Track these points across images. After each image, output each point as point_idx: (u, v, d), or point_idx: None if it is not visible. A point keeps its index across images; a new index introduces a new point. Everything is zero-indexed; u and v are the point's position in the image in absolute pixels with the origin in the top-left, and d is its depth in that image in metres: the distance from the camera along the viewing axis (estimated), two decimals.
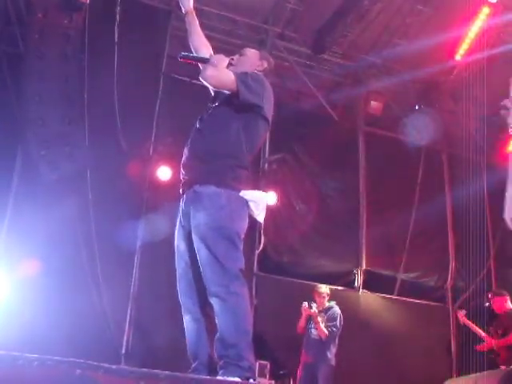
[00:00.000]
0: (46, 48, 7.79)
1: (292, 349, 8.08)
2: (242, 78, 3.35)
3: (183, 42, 7.99)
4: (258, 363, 7.36)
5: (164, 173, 8.53)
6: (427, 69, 9.42)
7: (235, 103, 3.36)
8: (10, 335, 6.44)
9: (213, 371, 3.09)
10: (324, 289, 7.90)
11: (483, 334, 7.99)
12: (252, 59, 3.62)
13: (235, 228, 3.20)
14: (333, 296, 8.05)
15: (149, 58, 8.58)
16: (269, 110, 3.46)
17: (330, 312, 7.63)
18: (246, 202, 3.28)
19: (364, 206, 10.39)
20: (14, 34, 8.17)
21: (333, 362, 7.44)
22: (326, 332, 7.43)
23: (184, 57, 3.54)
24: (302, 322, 7.65)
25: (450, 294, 10.61)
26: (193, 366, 3.24)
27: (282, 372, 8.29)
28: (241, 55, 3.66)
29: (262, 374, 7.88)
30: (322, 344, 7.47)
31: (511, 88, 4.54)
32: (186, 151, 3.45)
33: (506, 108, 4.35)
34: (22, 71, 7.95)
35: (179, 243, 3.37)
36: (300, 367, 7.55)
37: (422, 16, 9.23)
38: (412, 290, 10.30)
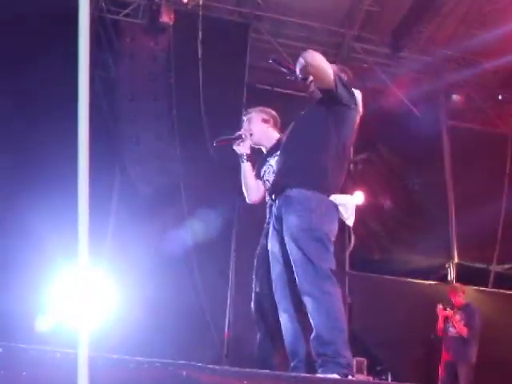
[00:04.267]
0: (136, 69, 8.08)
1: (387, 345, 7.95)
2: (339, 75, 3.30)
3: (263, 53, 8.07)
4: (355, 360, 7.29)
5: None
6: (508, 57, 9.07)
7: (325, 105, 3.32)
8: (116, 339, 6.70)
9: (311, 368, 3.09)
10: (460, 287, 7.76)
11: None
12: None
13: (325, 230, 3.17)
14: (426, 291, 7.85)
15: (231, 71, 8.70)
16: (358, 110, 3.44)
17: (468, 309, 7.46)
18: (335, 206, 3.25)
19: (452, 199, 10.10)
20: (106, 60, 8.49)
21: (473, 360, 7.20)
22: (466, 329, 7.24)
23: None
24: (439, 325, 7.49)
25: None
26: (292, 364, 3.25)
27: (379, 368, 8.16)
28: None
29: (359, 371, 7.78)
30: (464, 342, 7.26)
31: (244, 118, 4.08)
32: (278, 158, 3.47)
33: (241, 139, 3.84)
34: (115, 93, 8.26)
35: (273, 247, 3.37)
36: (441, 366, 7.38)
37: (499, 4, 8.89)
38: (507, 282, 9.92)
